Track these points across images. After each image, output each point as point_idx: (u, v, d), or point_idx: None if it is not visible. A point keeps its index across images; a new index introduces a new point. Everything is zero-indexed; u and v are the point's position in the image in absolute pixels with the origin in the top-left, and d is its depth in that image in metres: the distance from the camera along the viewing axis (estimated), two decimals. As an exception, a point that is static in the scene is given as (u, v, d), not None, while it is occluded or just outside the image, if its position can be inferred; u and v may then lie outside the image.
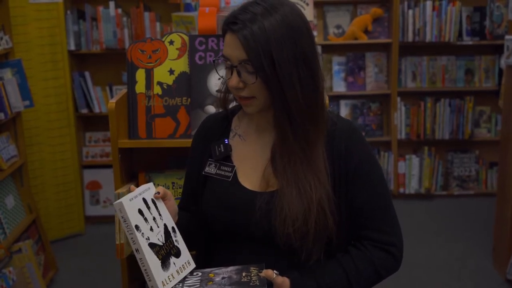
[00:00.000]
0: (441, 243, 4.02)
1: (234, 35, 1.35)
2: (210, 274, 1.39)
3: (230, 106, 1.59)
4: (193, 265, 1.44)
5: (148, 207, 1.39)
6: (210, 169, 1.52)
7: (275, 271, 1.37)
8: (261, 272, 1.36)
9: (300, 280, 1.40)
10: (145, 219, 1.36)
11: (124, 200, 1.33)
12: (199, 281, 1.37)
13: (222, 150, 1.51)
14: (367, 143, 1.49)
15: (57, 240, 4.14)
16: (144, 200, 1.39)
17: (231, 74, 1.38)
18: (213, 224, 1.51)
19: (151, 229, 1.37)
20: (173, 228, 1.44)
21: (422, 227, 4.29)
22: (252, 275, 1.35)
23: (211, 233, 1.56)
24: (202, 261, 1.58)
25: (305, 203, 1.37)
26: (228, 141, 1.53)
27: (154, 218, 1.39)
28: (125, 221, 1.32)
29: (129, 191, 1.41)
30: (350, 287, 1.42)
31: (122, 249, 1.83)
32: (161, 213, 1.42)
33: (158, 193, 1.42)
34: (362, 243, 1.45)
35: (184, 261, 1.43)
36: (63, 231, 4.24)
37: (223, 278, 1.36)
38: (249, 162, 1.50)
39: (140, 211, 1.36)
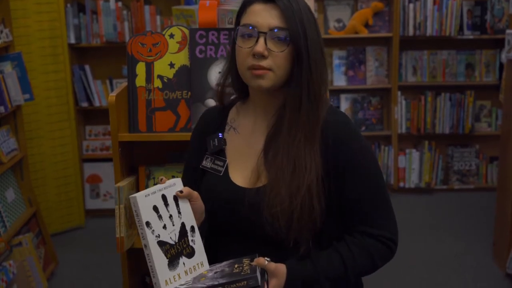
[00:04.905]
0: (441, 237, 4.02)
1: (269, 5, 1.40)
2: (204, 271, 1.40)
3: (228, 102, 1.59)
4: (206, 267, 1.42)
5: (167, 204, 1.37)
6: (207, 163, 1.53)
7: (266, 258, 1.37)
8: (253, 262, 1.36)
9: (297, 265, 1.40)
10: (160, 217, 1.34)
11: (139, 195, 1.32)
12: (191, 279, 1.37)
13: (216, 144, 1.52)
14: (360, 136, 1.47)
15: (57, 234, 4.15)
16: (164, 196, 1.37)
17: (256, 41, 1.39)
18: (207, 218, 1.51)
19: (164, 227, 1.35)
20: (192, 227, 1.41)
21: (422, 221, 4.30)
22: (244, 265, 1.36)
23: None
24: None
25: (295, 183, 1.38)
26: (222, 135, 1.53)
27: (170, 216, 1.36)
28: (137, 216, 1.32)
29: (158, 183, 1.39)
30: (346, 272, 1.42)
31: (122, 242, 1.83)
32: (181, 211, 1.39)
33: (181, 191, 1.39)
34: (358, 234, 1.45)
35: (197, 262, 1.40)
36: (63, 225, 4.24)
37: (215, 272, 1.36)
38: (242, 157, 1.50)
39: (155, 208, 1.34)
